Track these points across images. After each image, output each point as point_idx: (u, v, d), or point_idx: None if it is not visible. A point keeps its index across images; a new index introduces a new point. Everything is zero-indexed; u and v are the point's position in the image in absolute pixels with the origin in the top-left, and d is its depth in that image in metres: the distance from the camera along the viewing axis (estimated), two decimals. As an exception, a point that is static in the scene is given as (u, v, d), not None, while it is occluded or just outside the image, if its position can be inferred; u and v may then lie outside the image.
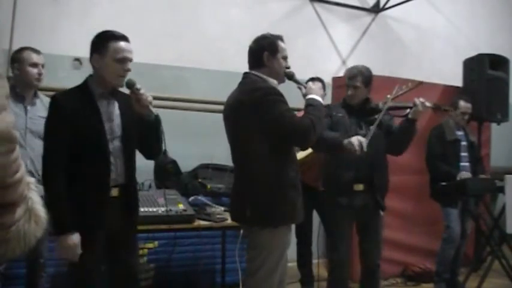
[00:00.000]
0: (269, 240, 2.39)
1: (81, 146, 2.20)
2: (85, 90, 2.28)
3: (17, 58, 2.92)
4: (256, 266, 2.41)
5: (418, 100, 3.03)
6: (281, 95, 2.37)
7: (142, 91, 2.25)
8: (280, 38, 2.51)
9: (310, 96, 2.49)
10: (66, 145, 2.18)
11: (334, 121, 3.13)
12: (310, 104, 2.44)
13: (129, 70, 2.26)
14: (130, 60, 2.27)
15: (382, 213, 3.21)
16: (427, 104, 3.07)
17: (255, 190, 2.37)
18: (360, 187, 3.09)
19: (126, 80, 2.26)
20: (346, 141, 2.85)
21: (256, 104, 2.32)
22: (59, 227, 2.15)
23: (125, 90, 2.33)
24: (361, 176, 3.06)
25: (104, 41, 2.24)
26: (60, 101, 2.24)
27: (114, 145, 2.29)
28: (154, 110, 2.29)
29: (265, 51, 2.46)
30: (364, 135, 2.93)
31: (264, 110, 2.31)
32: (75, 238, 2.16)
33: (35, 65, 2.93)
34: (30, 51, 2.96)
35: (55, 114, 2.23)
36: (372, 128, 2.94)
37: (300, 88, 2.63)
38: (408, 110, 3.09)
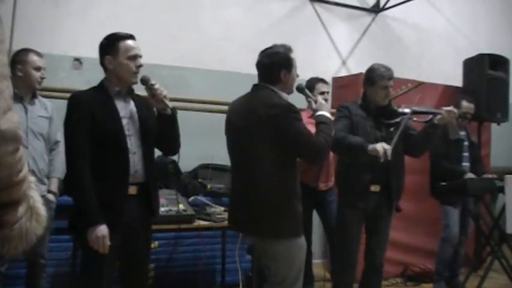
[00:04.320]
0: (287, 250, 2.40)
1: (99, 141, 2.24)
2: (102, 90, 2.35)
3: (20, 60, 2.92)
4: (282, 278, 2.42)
5: (446, 109, 2.98)
6: (298, 113, 2.40)
7: (157, 86, 2.33)
8: (291, 50, 2.49)
9: (321, 112, 2.50)
10: (88, 140, 2.22)
11: (354, 121, 3.08)
12: (323, 122, 2.46)
13: (141, 66, 2.34)
14: (140, 56, 2.36)
15: (397, 214, 3.20)
16: (456, 111, 3.03)
17: (265, 202, 2.38)
18: (377, 188, 3.07)
19: (140, 77, 2.35)
20: (370, 147, 2.84)
21: (274, 120, 2.33)
22: (88, 219, 2.18)
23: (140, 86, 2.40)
24: (378, 177, 3.04)
25: (113, 42, 2.31)
26: (79, 98, 2.32)
27: (132, 141, 2.33)
28: (170, 104, 2.35)
29: (282, 69, 2.45)
30: (383, 138, 2.94)
31: (282, 126, 2.32)
32: (104, 229, 2.17)
33: (38, 68, 2.96)
34: (33, 54, 2.97)
35: (74, 111, 2.28)
36: (397, 134, 2.91)
37: (309, 101, 2.64)
38: (431, 116, 3.05)
